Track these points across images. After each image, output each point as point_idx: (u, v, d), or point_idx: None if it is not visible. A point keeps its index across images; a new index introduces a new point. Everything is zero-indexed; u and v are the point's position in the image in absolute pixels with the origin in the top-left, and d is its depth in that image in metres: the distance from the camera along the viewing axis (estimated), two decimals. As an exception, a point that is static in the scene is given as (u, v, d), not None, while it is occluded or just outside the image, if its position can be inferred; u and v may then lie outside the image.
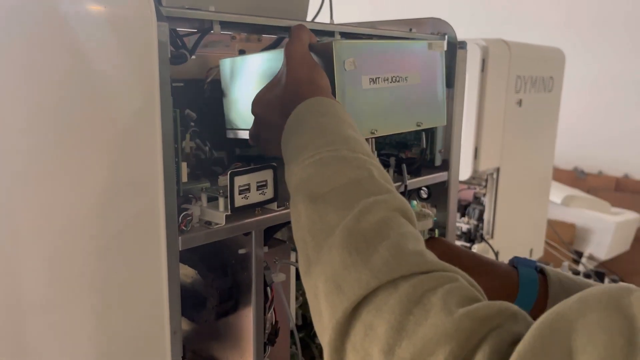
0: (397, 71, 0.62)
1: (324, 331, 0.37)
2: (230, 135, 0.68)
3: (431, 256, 0.38)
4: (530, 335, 0.30)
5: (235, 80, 0.67)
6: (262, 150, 0.60)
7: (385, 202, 0.41)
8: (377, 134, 0.62)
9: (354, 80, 0.58)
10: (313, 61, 0.56)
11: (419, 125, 0.66)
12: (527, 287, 0.57)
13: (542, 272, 0.59)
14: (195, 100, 0.72)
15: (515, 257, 0.61)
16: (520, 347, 0.30)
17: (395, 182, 0.73)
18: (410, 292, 0.34)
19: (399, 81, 0.63)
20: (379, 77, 0.61)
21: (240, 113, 0.66)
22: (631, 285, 0.31)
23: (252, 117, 0.59)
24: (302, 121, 0.49)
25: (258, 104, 0.57)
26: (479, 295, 0.36)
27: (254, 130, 0.59)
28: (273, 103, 0.55)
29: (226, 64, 0.68)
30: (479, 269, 0.59)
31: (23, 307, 0.65)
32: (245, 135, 0.64)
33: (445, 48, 0.69)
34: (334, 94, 0.57)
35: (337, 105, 0.51)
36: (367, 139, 0.66)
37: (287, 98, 0.53)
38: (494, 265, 0.60)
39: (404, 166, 0.74)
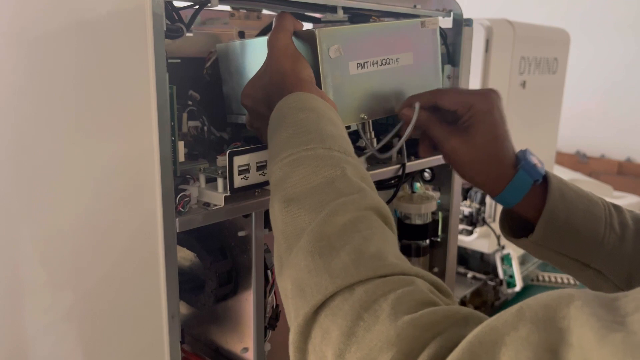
0: (386, 53, 0.61)
1: (290, 330, 0.38)
2: (231, 119, 0.67)
3: (392, 259, 0.38)
4: (460, 347, 0.30)
5: (233, 66, 0.66)
6: (259, 138, 0.59)
7: (353, 202, 0.41)
8: (367, 119, 0.62)
9: (340, 67, 0.58)
10: (295, 52, 0.55)
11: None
12: (512, 192, 0.58)
13: (545, 178, 0.59)
14: (195, 79, 0.70)
15: (525, 160, 0.59)
16: (449, 359, 0.29)
17: (398, 162, 0.71)
18: (363, 298, 0.35)
19: (389, 63, 0.62)
20: (367, 62, 0.60)
21: (239, 98, 0.65)
22: (575, 293, 0.29)
23: None
24: (281, 118, 0.49)
25: (246, 96, 0.57)
26: (434, 298, 0.35)
27: (248, 118, 0.59)
28: (259, 95, 0.55)
29: (223, 49, 0.66)
30: (481, 159, 0.59)
31: (19, 293, 0.64)
32: (244, 120, 0.63)
33: (439, 24, 0.67)
34: (319, 82, 0.56)
35: (318, 100, 0.50)
36: (363, 123, 0.65)
37: (271, 91, 0.53)
38: (496, 162, 0.59)
39: (404, 147, 0.71)
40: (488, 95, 0.60)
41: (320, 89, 0.56)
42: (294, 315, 0.38)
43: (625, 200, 2.22)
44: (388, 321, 0.33)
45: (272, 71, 0.54)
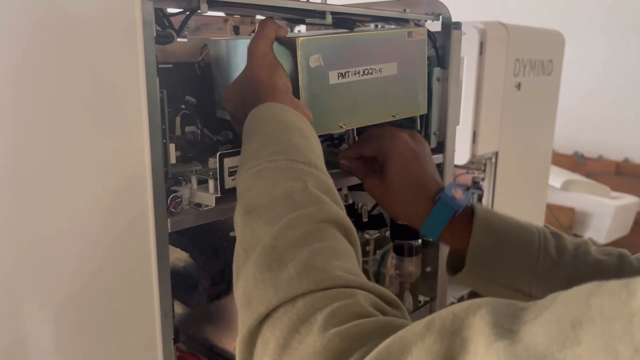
0: (369, 64, 0.62)
1: (237, 341, 0.39)
2: (219, 114, 0.68)
3: (337, 271, 0.38)
4: (370, 356, 0.31)
5: (223, 63, 0.67)
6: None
7: (309, 215, 0.41)
8: (346, 128, 0.63)
9: (320, 76, 0.58)
10: (273, 60, 0.56)
11: (394, 117, 0.66)
12: (432, 223, 0.60)
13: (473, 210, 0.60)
14: (189, 83, 0.71)
15: (443, 192, 0.61)
16: None
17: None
18: (302, 311, 0.36)
19: (371, 73, 0.62)
20: (348, 72, 0.60)
21: None
22: (484, 302, 0.30)
23: None
24: (252, 128, 0.50)
25: (227, 101, 0.58)
26: (371, 310, 0.36)
27: (232, 120, 0.61)
28: (238, 101, 0.56)
29: (214, 44, 0.67)
30: (398, 195, 0.62)
31: (11, 292, 0.65)
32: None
33: (426, 35, 0.69)
34: (297, 91, 0.57)
35: (287, 111, 0.51)
36: (347, 130, 0.67)
37: (247, 98, 0.54)
38: (414, 197, 0.62)
39: None
40: (397, 136, 0.63)
41: (298, 97, 0.57)
42: (240, 325, 0.39)
43: (623, 201, 2.23)
44: (317, 333, 0.34)
45: (249, 79, 0.55)
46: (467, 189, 1.65)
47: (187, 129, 0.68)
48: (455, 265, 0.62)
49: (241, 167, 0.48)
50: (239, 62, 0.63)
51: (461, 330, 0.29)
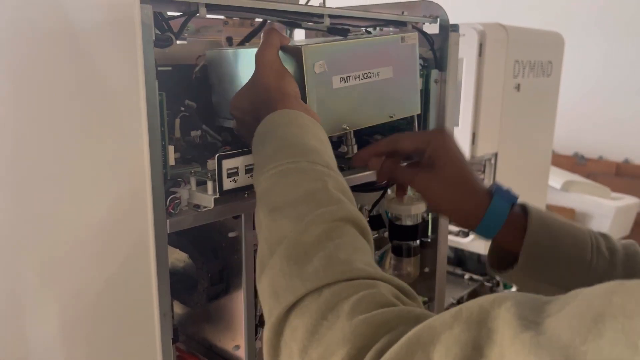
0: (368, 68, 0.65)
1: (265, 329, 0.41)
2: (218, 122, 0.69)
3: (359, 264, 0.41)
4: (400, 342, 0.32)
5: (221, 73, 0.68)
6: (246, 143, 0.61)
7: (331, 213, 0.44)
8: (349, 129, 0.65)
9: (325, 82, 0.61)
10: (281, 67, 0.58)
11: (391, 117, 0.69)
12: (491, 219, 0.58)
13: (524, 207, 0.59)
14: (189, 85, 0.72)
15: (496, 186, 0.60)
16: (388, 354, 0.32)
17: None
18: (328, 299, 0.38)
19: (370, 77, 0.65)
20: (349, 76, 0.63)
21: (227, 104, 0.67)
22: (509, 296, 0.31)
23: None
24: (268, 132, 0.52)
25: (235, 108, 0.60)
26: (394, 300, 0.38)
27: (235, 124, 0.62)
28: (246, 107, 0.58)
29: (212, 55, 0.69)
30: (455, 188, 0.60)
31: (17, 289, 0.66)
32: (231, 124, 0.66)
33: (417, 40, 0.71)
34: (304, 96, 0.59)
35: (303, 116, 0.53)
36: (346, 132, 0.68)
37: (257, 104, 0.56)
38: (470, 192, 0.60)
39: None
40: (442, 131, 0.63)
41: (305, 102, 0.59)
42: (268, 315, 0.41)
43: (623, 202, 2.23)
44: (345, 320, 0.36)
45: (258, 86, 0.57)
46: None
47: (193, 133, 0.69)
48: (501, 262, 0.61)
49: (260, 167, 0.49)
50: (239, 71, 0.65)
51: (487, 321, 0.30)
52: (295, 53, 0.59)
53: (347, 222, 0.44)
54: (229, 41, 0.80)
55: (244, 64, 0.64)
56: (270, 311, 0.40)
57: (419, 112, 0.72)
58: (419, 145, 0.63)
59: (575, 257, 0.56)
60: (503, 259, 0.61)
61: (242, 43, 0.77)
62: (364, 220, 0.46)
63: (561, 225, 0.58)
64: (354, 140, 0.70)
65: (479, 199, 0.60)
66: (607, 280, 0.55)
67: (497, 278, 1.48)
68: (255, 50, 0.61)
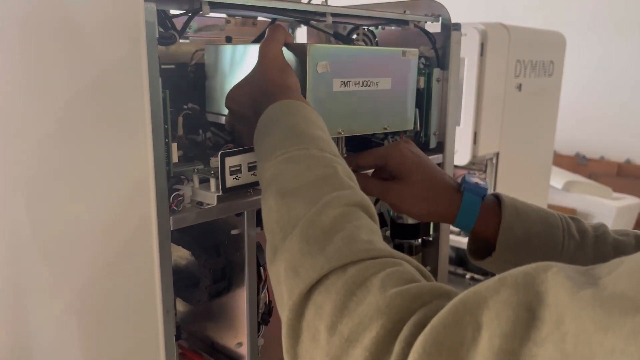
0: (368, 76, 0.65)
1: (283, 312, 0.40)
2: (209, 118, 0.69)
3: (381, 244, 0.41)
4: (445, 309, 0.32)
5: (219, 67, 0.68)
6: (237, 140, 0.62)
7: (346, 197, 0.44)
8: (344, 135, 0.66)
9: (325, 83, 0.61)
10: (285, 62, 0.58)
11: (385, 129, 0.69)
12: (466, 213, 0.61)
13: (497, 197, 0.62)
14: (190, 83, 0.72)
15: (465, 182, 0.63)
16: (435, 320, 0.32)
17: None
18: (356, 275, 0.38)
19: (369, 85, 0.66)
20: (350, 81, 0.63)
21: (221, 99, 0.67)
22: (552, 263, 0.31)
23: None
24: (273, 122, 0.52)
25: (232, 100, 0.59)
26: (419, 277, 0.39)
27: (229, 120, 0.62)
28: (246, 100, 0.58)
29: (212, 50, 0.69)
30: (425, 192, 0.63)
31: (21, 286, 0.66)
32: (223, 120, 0.66)
33: (417, 56, 0.71)
34: (304, 94, 0.59)
35: (307, 108, 0.54)
36: (336, 138, 0.69)
37: (259, 97, 0.56)
38: (440, 193, 0.63)
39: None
40: (397, 144, 0.65)
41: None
42: (288, 295, 0.40)
43: (624, 202, 2.23)
44: (378, 293, 0.36)
45: (261, 78, 0.57)
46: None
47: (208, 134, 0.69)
48: (479, 251, 0.65)
49: (266, 155, 0.49)
50: (238, 67, 0.65)
51: (534, 285, 0.30)
52: (300, 51, 0.59)
53: (360, 207, 0.45)
54: (228, 40, 0.80)
55: (244, 60, 0.64)
56: (290, 291, 0.40)
57: (411, 128, 0.73)
58: (377, 161, 0.65)
59: (547, 242, 0.59)
60: (481, 248, 0.64)
61: None
62: (373, 208, 0.46)
63: (534, 212, 0.61)
64: (344, 149, 0.71)
65: (450, 198, 0.63)
66: (578, 261, 0.56)
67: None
68: (253, 46, 0.62)
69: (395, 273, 0.38)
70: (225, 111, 0.63)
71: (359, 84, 0.64)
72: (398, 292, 0.35)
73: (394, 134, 0.76)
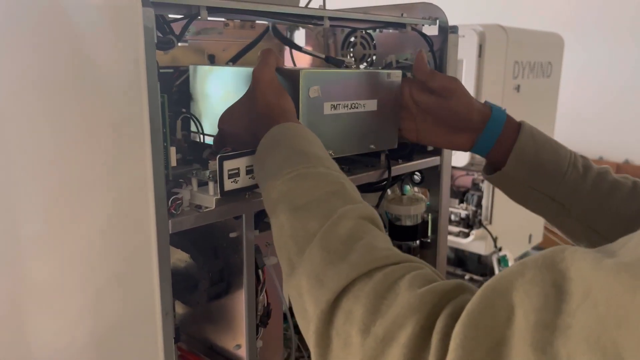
0: (356, 99, 0.68)
1: (309, 323, 0.41)
2: (195, 138, 0.69)
3: (400, 251, 0.43)
4: (476, 296, 0.34)
5: (204, 89, 0.69)
6: None
7: (359, 209, 0.46)
8: (334, 156, 0.67)
9: (317, 107, 0.63)
10: (280, 87, 0.60)
11: (371, 149, 0.72)
12: (494, 123, 0.68)
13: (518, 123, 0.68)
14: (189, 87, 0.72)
15: (488, 102, 0.71)
16: (468, 306, 0.34)
17: (383, 167, 0.74)
18: (383, 280, 0.39)
19: (357, 108, 0.68)
20: (339, 104, 0.66)
21: (208, 120, 0.69)
22: (566, 245, 0.34)
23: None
24: (276, 143, 0.53)
25: (226, 122, 0.61)
26: (439, 278, 0.41)
27: (219, 140, 0.63)
28: (241, 122, 0.60)
29: (196, 71, 0.70)
30: (464, 103, 0.69)
31: (21, 289, 0.66)
32: (210, 140, 0.67)
33: (401, 77, 0.74)
34: (297, 117, 0.61)
35: (306, 130, 0.56)
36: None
37: (257, 120, 0.57)
38: (474, 105, 0.70)
39: (382, 157, 0.75)
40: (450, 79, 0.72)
41: None
42: (314, 305, 0.41)
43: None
44: (407, 293, 0.38)
45: (257, 102, 0.58)
46: (467, 190, 1.66)
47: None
48: (487, 168, 0.72)
49: (271, 174, 0.51)
50: (224, 89, 0.67)
51: (555, 264, 0.32)
52: (293, 76, 0.61)
53: (370, 221, 0.46)
54: (211, 59, 0.81)
55: (230, 82, 0.66)
56: (316, 301, 0.40)
57: (395, 146, 0.75)
58: (445, 84, 0.70)
59: (553, 167, 0.66)
60: (496, 170, 0.70)
61: (234, 61, 0.79)
62: (381, 221, 0.48)
63: (547, 141, 0.68)
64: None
65: (482, 109, 0.69)
66: (578, 191, 0.65)
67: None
68: (239, 70, 0.63)
69: (419, 275, 0.40)
70: (211, 130, 0.64)
71: (347, 106, 0.67)
72: (427, 290, 0.37)
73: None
